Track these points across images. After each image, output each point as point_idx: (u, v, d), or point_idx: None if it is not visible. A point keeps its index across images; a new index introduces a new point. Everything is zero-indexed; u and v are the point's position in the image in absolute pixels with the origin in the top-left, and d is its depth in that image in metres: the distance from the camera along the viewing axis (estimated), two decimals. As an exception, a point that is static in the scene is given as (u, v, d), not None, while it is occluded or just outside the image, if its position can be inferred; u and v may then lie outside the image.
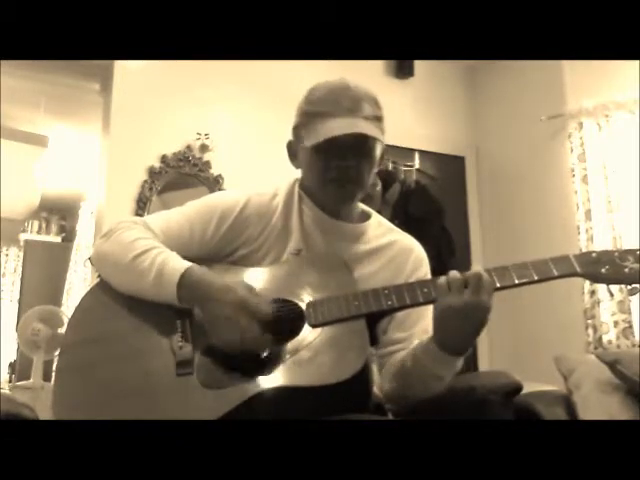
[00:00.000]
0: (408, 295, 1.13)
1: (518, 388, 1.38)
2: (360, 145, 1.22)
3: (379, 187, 3.31)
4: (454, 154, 3.96)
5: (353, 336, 1.09)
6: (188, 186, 3.17)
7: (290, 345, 1.08)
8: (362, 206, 1.38)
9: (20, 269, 6.20)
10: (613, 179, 3.21)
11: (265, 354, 1.07)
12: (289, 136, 1.33)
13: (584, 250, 3.09)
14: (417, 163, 3.69)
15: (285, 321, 1.13)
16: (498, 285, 1.10)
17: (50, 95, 4.20)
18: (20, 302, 5.72)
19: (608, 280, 1.14)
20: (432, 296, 1.12)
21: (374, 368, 1.21)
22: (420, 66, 3.81)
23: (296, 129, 1.29)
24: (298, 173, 1.34)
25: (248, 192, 1.32)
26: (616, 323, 3.08)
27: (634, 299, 3.01)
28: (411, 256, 1.34)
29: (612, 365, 1.94)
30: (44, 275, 5.75)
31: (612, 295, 3.06)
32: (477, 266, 1.11)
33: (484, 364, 3.56)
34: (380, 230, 1.35)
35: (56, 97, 4.23)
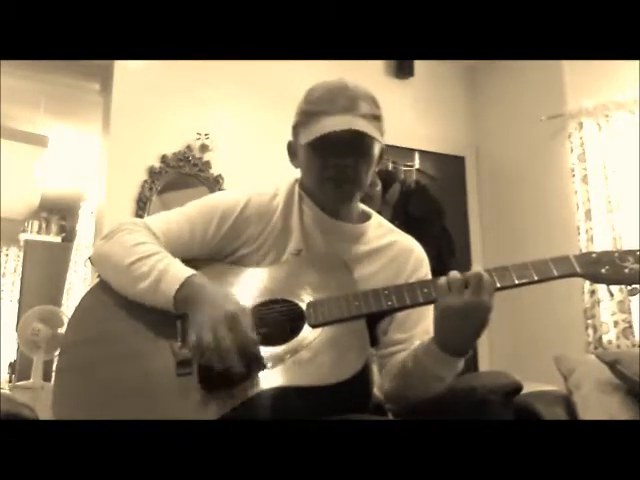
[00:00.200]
0: (408, 295, 1.13)
1: (518, 388, 1.37)
2: (357, 143, 1.22)
3: (379, 187, 3.31)
4: (454, 154, 3.96)
5: (353, 336, 1.09)
6: (188, 186, 3.17)
7: (290, 345, 1.08)
8: (362, 207, 1.38)
9: (20, 269, 6.20)
10: (613, 179, 3.21)
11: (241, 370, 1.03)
12: (289, 136, 1.33)
13: (584, 250, 3.10)
14: (417, 163, 3.69)
15: (285, 321, 1.13)
16: (498, 285, 1.10)
17: (50, 95, 4.19)
18: (20, 302, 5.72)
19: (608, 280, 1.14)
20: (432, 296, 1.12)
21: (374, 368, 1.21)
22: (420, 66, 3.81)
23: (295, 128, 1.30)
24: (298, 173, 1.34)
25: (248, 192, 1.31)
26: (616, 323, 3.08)
27: (634, 299, 3.00)
28: (411, 257, 1.33)
29: (612, 365, 1.94)
30: (44, 275, 5.74)
31: (612, 295, 3.05)
32: (477, 266, 1.11)
33: (484, 364, 3.56)
34: (380, 231, 1.35)
35: (56, 97, 4.23)
